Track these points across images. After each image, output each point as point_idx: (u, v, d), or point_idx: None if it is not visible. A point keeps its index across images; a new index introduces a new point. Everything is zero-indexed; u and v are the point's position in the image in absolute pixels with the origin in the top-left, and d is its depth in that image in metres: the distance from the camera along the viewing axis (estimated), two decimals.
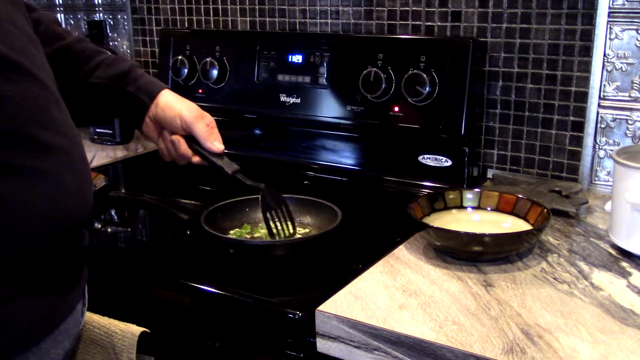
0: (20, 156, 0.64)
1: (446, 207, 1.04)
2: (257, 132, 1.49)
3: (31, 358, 0.69)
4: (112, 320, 0.88)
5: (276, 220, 0.98)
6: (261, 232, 1.03)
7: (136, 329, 0.87)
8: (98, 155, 1.58)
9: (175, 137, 0.99)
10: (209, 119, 1.01)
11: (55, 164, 0.67)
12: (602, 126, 1.18)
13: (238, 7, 1.57)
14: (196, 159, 1.01)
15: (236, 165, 1.00)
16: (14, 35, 0.67)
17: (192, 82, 1.52)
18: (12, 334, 0.66)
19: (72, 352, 0.78)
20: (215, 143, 0.99)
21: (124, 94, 0.97)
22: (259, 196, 0.99)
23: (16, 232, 0.64)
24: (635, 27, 1.12)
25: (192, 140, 1.00)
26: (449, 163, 1.26)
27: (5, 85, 0.63)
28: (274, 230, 0.98)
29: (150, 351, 0.90)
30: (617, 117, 1.17)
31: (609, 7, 1.13)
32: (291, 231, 0.99)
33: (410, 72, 1.25)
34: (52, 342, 0.72)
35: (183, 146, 1.00)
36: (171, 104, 0.98)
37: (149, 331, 0.88)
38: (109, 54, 1.01)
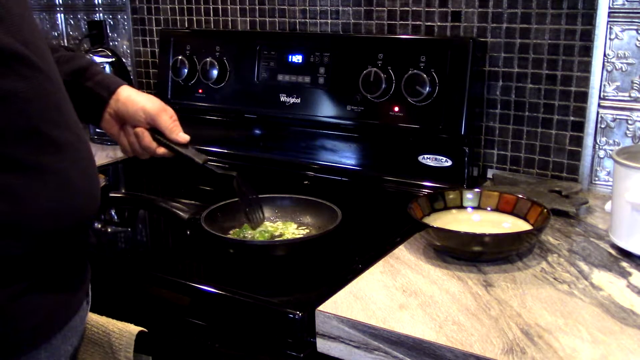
0: (32, 153, 0.64)
1: (446, 207, 1.04)
2: (257, 132, 1.49)
3: (42, 354, 0.70)
4: (110, 320, 0.88)
5: (252, 206, 1.01)
6: (261, 232, 1.03)
7: (134, 329, 0.87)
8: (98, 155, 1.58)
9: (139, 130, 0.99)
10: (171, 111, 1.01)
11: (64, 161, 0.68)
12: (602, 126, 1.18)
13: (238, 7, 1.57)
14: (161, 150, 1.01)
15: (204, 155, 1.01)
16: (28, 31, 0.67)
17: (192, 82, 1.52)
18: (22, 331, 0.67)
19: (77, 349, 0.79)
20: (180, 134, 1.00)
21: (82, 89, 0.97)
22: (234, 184, 1.00)
23: (26, 229, 0.64)
24: (635, 27, 1.12)
25: (155, 132, 1.00)
26: (449, 163, 1.26)
27: (19, 82, 0.63)
28: (250, 217, 1.01)
29: (148, 351, 0.90)
30: (617, 117, 1.17)
31: (609, 7, 1.13)
32: (262, 217, 1.03)
33: (410, 72, 1.25)
34: (61, 338, 0.72)
35: (147, 138, 1.00)
36: (133, 98, 0.98)
37: (146, 331, 0.88)
38: (66, 52, 1.00)
